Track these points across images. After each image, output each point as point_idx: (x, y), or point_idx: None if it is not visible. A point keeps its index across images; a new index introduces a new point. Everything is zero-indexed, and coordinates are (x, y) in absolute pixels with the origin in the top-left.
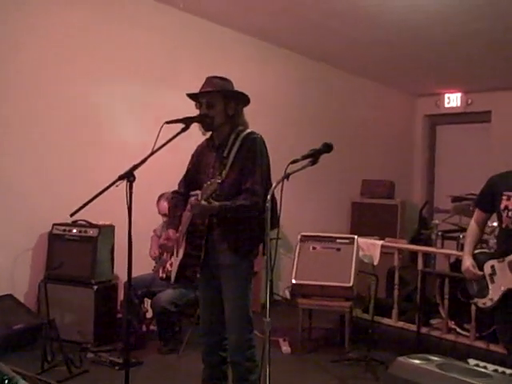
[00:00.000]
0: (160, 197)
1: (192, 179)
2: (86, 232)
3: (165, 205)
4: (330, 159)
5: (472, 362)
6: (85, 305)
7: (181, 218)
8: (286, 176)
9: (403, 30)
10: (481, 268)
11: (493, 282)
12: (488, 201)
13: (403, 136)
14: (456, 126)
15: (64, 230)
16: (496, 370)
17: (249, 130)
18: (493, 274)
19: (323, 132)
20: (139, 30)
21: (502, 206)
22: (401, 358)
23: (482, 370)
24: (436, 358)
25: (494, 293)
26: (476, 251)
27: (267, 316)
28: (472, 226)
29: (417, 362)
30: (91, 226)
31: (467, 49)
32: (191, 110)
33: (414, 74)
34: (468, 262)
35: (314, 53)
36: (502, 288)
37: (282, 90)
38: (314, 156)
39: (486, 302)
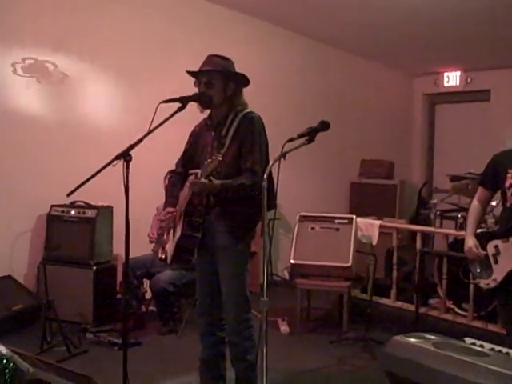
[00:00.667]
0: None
1: (189, 159)
2: (84, 213)
3: None
4: (329, 139)
5: (469, 340)
6: (84, 286)
7: (178, 197)
8: (283, 155)
9: (400, 8)
10: (484, 248)
11: (496, 262)
12: (492, 179)
13: (402, 115)
14: (455, 104)
15: (62, 212)
16: (492, 349)
17: (247, 110)
18: (497, 254)
19: (322, 112)
20: (135, 11)
21: (507, 184)
22: (397, 337)
23: (479, 348)
24: (432, 337)
25: (498, 273)
26: (478, 231)
27: (264, 295)
28: (474, 204)
29: (413, 340)
30: (90, 207)
31: (466, 27)
32: (188, 89)
33: (412, 53)
34: (471, 242)
35: (313, 33)
36: (507, 268)
37: (280, 70)
38: (310, 134)
39: (489, 283)
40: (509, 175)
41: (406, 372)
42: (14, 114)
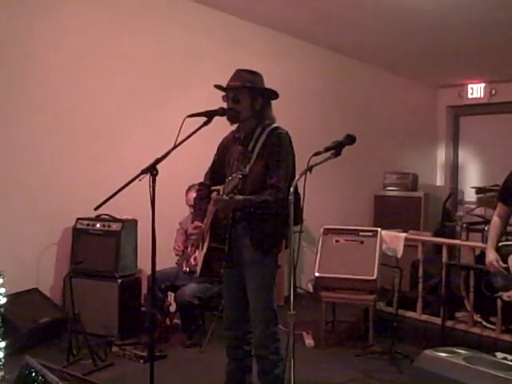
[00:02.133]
0: (190, 187)
1: (218, 171)
2: (109, 226)
3: (194, 196)
4: (353, 152)
5: (500, 355)
6: (109, 298)
7: (206, 211)
8: (309, 168)
9: (424, 19)
10: (505, 261)
11: None
12: (510, 194)
13: (426, 127)
14: (479, 116)
15: (88, 225)
16: None
17: (275, 125)
18: None
19: (346, 125)
20: (160, 25)
21: None
22: (427, 351)
23: (511, 363)
24: (463, 351)
25: None
26: (500, 244)
27: (291, 309)
28: (495, 220)
29: (443, 354)
30: (115, 220)
31: (490, 38)
32: (214, 102)
33: (436, 65)
34: (491, 256)
35: (336, 46)
36: None
37: (305, 83)
38: (336, 148)
39: (511, 295)
40: None
41: None
42: (39, 129)
